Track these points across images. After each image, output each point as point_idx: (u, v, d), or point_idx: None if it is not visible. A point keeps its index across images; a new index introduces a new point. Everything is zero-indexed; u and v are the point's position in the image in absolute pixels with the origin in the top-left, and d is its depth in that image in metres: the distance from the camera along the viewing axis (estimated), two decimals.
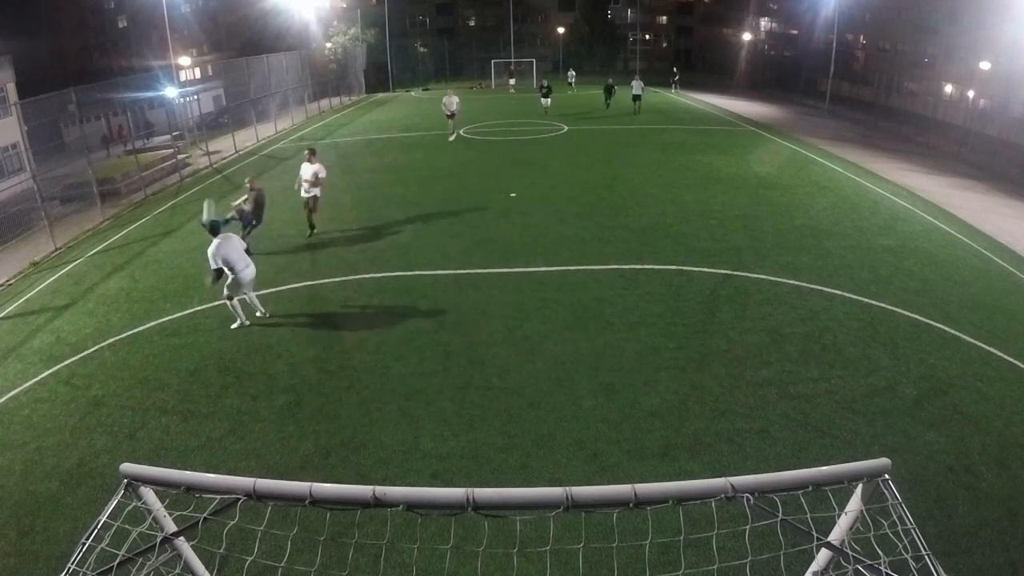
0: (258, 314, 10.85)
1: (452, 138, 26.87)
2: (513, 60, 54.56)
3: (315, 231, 14.96)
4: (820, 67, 41.61)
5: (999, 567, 5.78)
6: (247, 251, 10.46)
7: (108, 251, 15.00)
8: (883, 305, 11.00)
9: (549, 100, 33.80)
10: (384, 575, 5.16)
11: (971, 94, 31.37)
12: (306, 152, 15.26)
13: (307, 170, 14.66)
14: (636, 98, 33.57)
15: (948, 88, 34.29)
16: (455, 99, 27.70)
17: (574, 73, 49.76)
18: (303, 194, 14.80)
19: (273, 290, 11.97)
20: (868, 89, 39.94)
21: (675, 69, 49.83)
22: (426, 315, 10.89)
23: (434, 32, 69.57)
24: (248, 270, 10.29)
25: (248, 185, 13.74)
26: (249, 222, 13.44)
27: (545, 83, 35.30)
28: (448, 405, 8.40)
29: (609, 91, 35.39)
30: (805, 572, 3.10)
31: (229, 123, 28.29)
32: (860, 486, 2.86)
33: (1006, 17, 27.66)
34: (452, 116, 27.40)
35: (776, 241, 14.19)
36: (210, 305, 11.36)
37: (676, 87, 46.64)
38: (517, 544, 3.21)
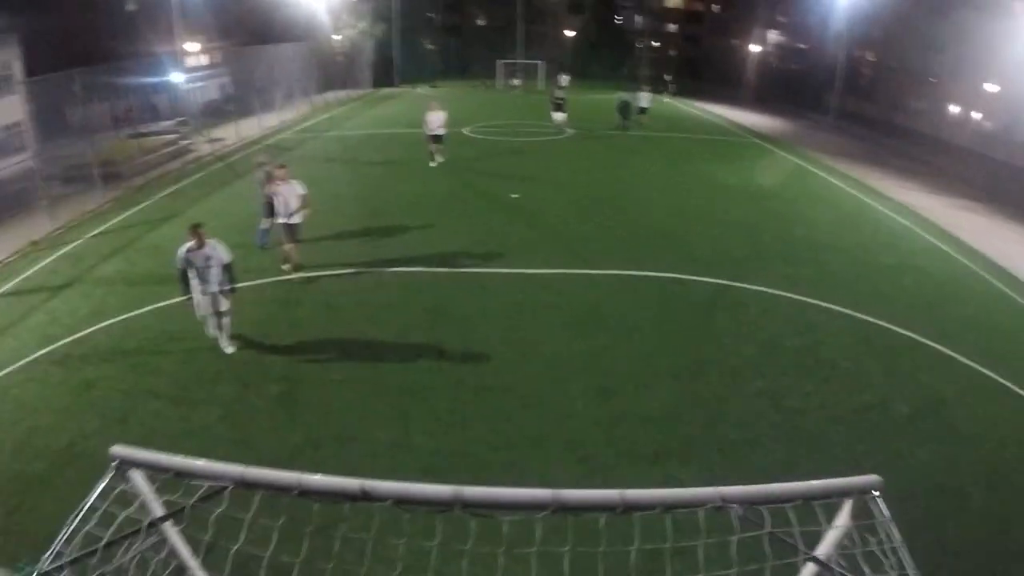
0: (228, 350, 9.47)
1: (434, 164, 20.97)
2: (519, 61, 54.40)
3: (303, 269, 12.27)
4: (827, 82, 41.66)
5: None
6: (227, 268, 9.03)
7: (107, 234, 14.96)
8: (879, 322, 11.01)
9: (564, 115, 28.34)
10: (370, 569, 5.14)
11: (977, 116, 31.43)
12: (280, 170, 11.94)
13: (290, 191, 11.75)
14: (643, 111, 30.89)
15: (954, 108, 34.34)
16: (441, 116, 20.53)
17: (567, 77, 47.74)
18: (285, 220, 11.84)
19: (271, 280, 11.95)
20: (874, 106, 40.01)
21: (668, 77, 49.80)
22: (423, 311, 10.88)
23: (442, 29, 69.60)
24: (201, 296, 9.04)
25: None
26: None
27: (560, 95, 29.12)
28: (441, 402, 8.39)
29: (624, 109, 29.19)
30: None
31: (233, 111, 28.26)
32: (849, 501, 2.85)
33: (1014, 39, 27.70)
34: (437, 139, 20.85)
35: (776, 253, 14.20)
36: None
37: (670, 94, 46.56)
38: (504, 544, 3.20)
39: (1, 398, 8.36)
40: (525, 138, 27.59)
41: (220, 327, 9.38)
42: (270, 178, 12.20)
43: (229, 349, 9.45)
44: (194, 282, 8.98)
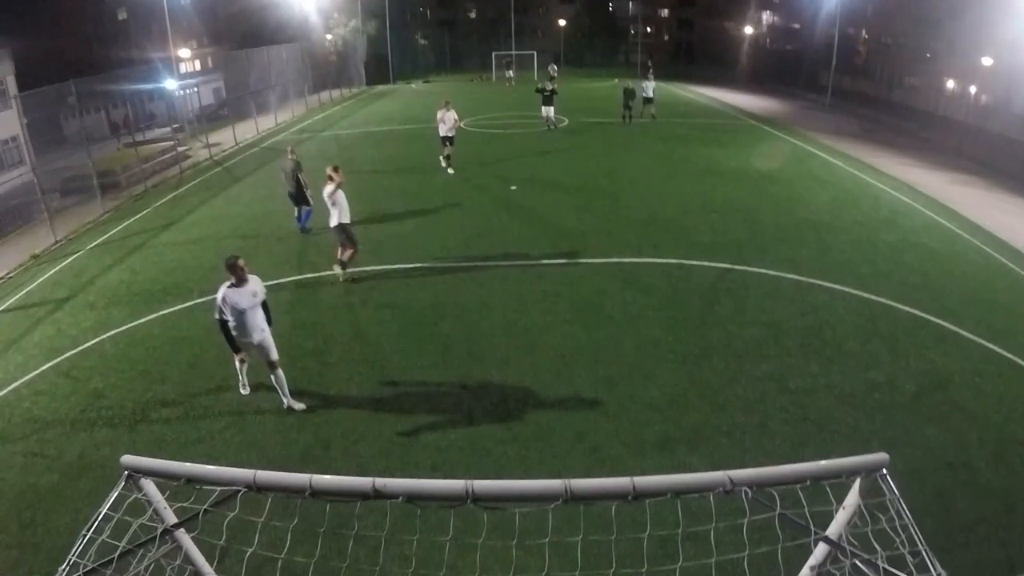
0: (296, 407, 8.16)
1: (451, 171, 19.66)
2: (513, 53, 54.14)
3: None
4: (821, 61, 41.47)
5: (996, 562, 5.80)
6: (264, 304, 7.79)
7: (108, 244, 14.99)
8: (883, 300, 10.99)
9: (552, 109, 26.34)
10: (384, 566, 5.18)
11: (973, 90, 31.27)
12: (335, 172, 11.29)
13: (343, 197, 11.51)
14: (648, 101, 28.89)
15: (950, 83, 34.16)
16: (453, 115, 19.49)
17: (555, 66, 46.14)
18: (347, 222, 11.62)
19: (274, 282, 11.95)
20: (870, 84, 39.84)
21: (649, 63, 49.35)
22: (426, 307, 10.89)
23: (435, 24, 69.44)
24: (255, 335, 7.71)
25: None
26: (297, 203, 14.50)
27: (549, 85, 26.65)
28: (448, 397, 8.42)
29: (628, 100, 27.56)
30: (802, 566, 3.11)
31: (229, 115, 28.24)
32: (858, 480, 2.86)
33: (1008, 12, 27.52)
34: (449, 141, 19.69)
35: (776, 235, 14.18)
36: (210, 298, 11.33)
37: (650, 78, 46.15)
38: (516, 536, 3.22)
39: (10, 412, 8.40)
40: (521, 130, 27.52)
41: (275, 381, 8.01)
42: (328, 180, 11.37)
43: (298, 405, 8.12)
44: (235, 333, 7.57)
